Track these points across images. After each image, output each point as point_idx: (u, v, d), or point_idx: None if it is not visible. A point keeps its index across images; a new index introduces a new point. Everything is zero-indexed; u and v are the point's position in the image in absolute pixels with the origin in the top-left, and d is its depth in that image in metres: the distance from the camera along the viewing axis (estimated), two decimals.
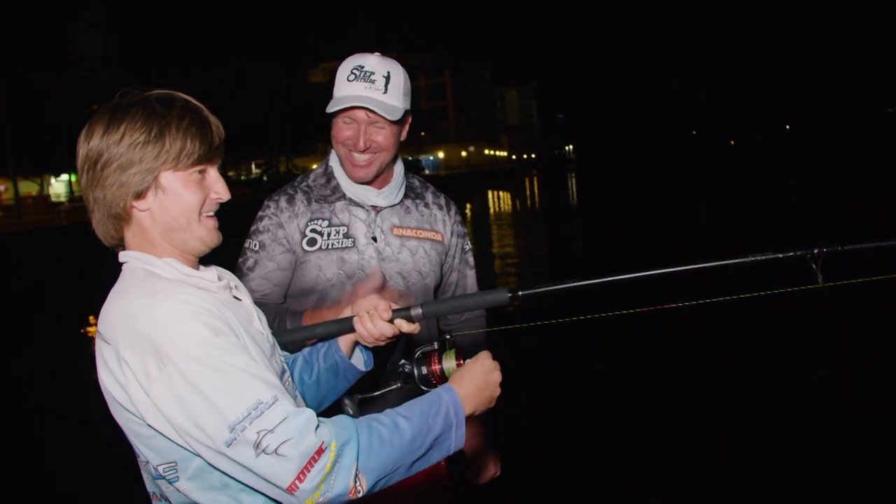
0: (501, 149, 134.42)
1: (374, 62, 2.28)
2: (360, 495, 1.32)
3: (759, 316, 7.78)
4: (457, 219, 2.61)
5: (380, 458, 1.34)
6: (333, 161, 2.46)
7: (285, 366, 1.70)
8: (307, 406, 1.73)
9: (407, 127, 2.41)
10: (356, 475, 1.31)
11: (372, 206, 2.41)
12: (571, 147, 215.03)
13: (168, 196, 1.46)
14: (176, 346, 1.32)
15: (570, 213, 34.83)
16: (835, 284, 1.35)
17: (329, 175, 2.44)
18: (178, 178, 1.47)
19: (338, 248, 2.36)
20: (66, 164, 38.41)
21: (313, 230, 2.36)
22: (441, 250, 2.52)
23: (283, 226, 2.37)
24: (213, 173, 1.53)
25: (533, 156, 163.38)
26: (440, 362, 1.70)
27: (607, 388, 6.98)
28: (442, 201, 2.60)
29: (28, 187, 40.47)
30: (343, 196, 2.40)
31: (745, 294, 1.47)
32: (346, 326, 1.78)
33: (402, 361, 1.76)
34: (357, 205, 2.40)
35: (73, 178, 43.40)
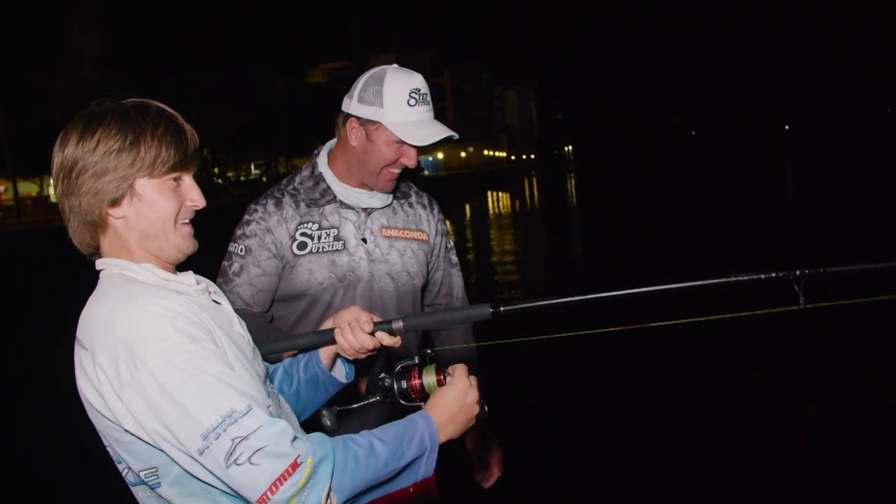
0: (501, 149, 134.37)
1: (422, 83, 2.31)
2: None
3: (743, 333, 7.80)
4: (440, 217, 2.63)
5: (353, 479, 1.36)
6: (322, 165, 2.45)
7: (267, 372, 1.71)
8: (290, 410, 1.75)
9: None
10: (328, 493, 1.32)
11: (364, 208, 2.42)
12: (571, 148, 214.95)
13: (143, 203, 1.47)
14: (150, 350, 1.32)
15: (569, 214, 34.80)
16: (816, 306, 1.35)
17: (317, 178, 2.43)
18: (153, 186, 1.47)
19: (328, 251, 2.36)
20: None
21: (303, 234, 2.36)
22: (427, 250, 2.54)
23: (271, 230, 2.36)
24: (188, 181, 1.54)
25: (532, 156, 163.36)
26: (420, 377, 1.70)
27: (591, 402, 6.98)
28: (425, 200, 2.62)
29: (27, 188, 40.43)
30: (334, 199, 2.40)
31: (728, 314, 1.47)
32: (328, 338, 1.79)
33: (382, 375, 1.76)
34: (348, 207, 2.41)
35: None
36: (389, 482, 1.43)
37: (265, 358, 1.82)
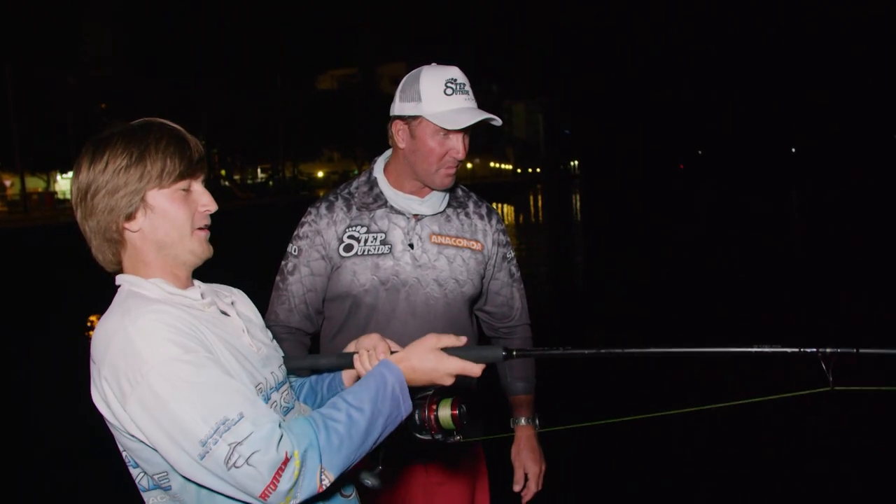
0: (507, 162, 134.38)
1: (459, 74, 2.35)
2: (328, 485, 1.44)
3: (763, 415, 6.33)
4: (498, 228, 2.63)
5: (340, 454, 1.45)
6: (377, 171, 2.51)
7: (285, 378, 1.76)
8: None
9: None
10: (321, 473, 1.42)
11: (414, 214, 2.45)
12: (577, 163, 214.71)
13: (157, 214, 1.54)
14: (146, 364, 1.39)
15: (574, 230, 34.77)
16: (846, 389, 1.29)
17: (372, 183, 2.50)
18: (164, 196, 1.55)
19: (374, 255, 2.41)
20: (72, 161, 38.46)
21: (351, 236, 2.42)
22: (480, 259, 2.55)
23: (320, 233, 2.44)
24: (197, 187, 1.61)
25: (538, 170, 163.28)
26: (436, 410, 1.72)
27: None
28: (483, 211, 2.63)
29: (34, 183, 40.47)
30: (385, 204, 2.46)
31: (749, 400, 1.42)
32: (347, 362, 1.83)
33: None
34: (398, 213, 2.45)
35: None
36: (377, 440, 1.53)
37: (291, 373, 1.91)
